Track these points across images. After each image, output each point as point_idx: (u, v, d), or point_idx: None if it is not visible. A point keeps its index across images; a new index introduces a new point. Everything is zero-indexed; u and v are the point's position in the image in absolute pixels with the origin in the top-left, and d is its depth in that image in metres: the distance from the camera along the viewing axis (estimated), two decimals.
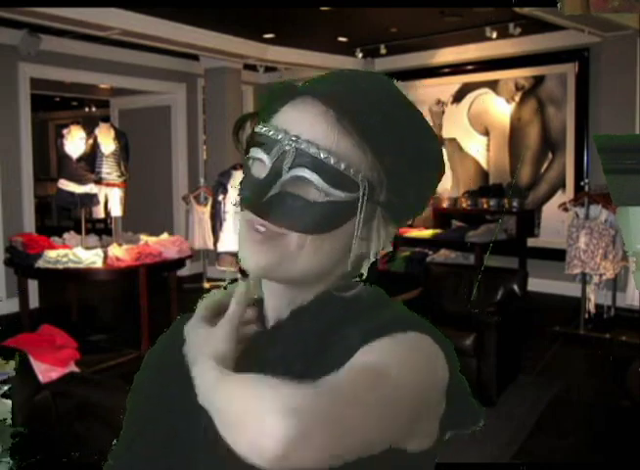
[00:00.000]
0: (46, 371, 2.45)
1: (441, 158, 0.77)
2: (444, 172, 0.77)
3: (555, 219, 6.11)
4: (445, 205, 6.87)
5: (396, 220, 0.76)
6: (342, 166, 0.68)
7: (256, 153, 0.71)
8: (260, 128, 0.72)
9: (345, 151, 0.69)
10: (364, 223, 0.71)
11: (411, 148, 0.72)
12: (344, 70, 0.75)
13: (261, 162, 0.71)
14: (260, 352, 0.74)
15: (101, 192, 5.17)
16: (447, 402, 0.69)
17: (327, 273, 0.75)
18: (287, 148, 0.69)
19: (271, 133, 0.70)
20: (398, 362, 0.65)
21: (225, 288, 0.79)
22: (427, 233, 6.64)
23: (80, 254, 4.55)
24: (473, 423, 0.73)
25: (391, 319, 0.70)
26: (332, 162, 0.68)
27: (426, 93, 7.18)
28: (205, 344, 0.71)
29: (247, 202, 0.71)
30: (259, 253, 0.70)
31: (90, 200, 5.14)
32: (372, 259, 0.77)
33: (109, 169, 5.13)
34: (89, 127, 5.30)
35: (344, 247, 0.73)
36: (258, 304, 0.79)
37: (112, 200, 5.23)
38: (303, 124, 0.69)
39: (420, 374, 0.66)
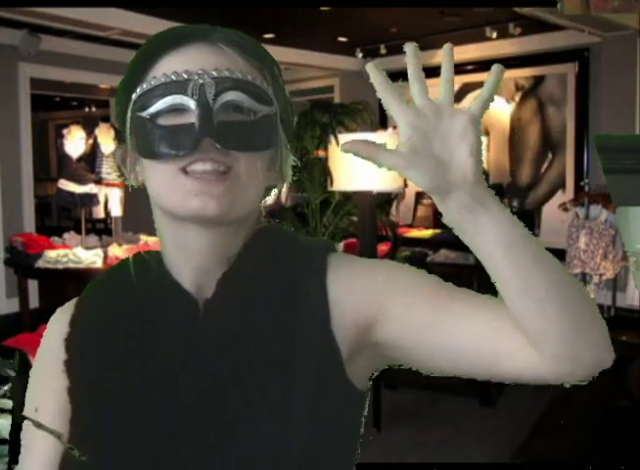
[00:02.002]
0: None
1: None
2: None
3: (555, 219, 6.11)
4: None
5: (287, 141, 0.79)
6: (258, 82, 0.72)
7: (166, 101, 0.70)
8: (155, 79, 0.71)
9: (251, 71, 0.72)
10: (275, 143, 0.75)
11: (280, 74, 0.78)
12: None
13: (176, 109, 0.70)
14: (196, 339, 0.72)
15: (101, 192, 5.18)
16: None
17: (255, 210, 0.78)
18: (201, 81, 0.69)
19: (173, 78, 0.70)
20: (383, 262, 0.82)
21: None
22: (427, 233, 6.64)
23: (80, 254, 4.55)
24: None
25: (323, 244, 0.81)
26: (248, 78, 0.71)
27: None
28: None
29: (188, 145, 0.68)
30: (216, 194, 0.69)
31: (90, 200, 5.15)
32: (282, 188, 0.81)
33: (109, 169, 5.14)
34: (89, 127, 5.31)
35: (266, 175, 0.75)
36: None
37: (112, 200, 5.24)
38: (204, 60, 0.71)
39: None
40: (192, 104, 0.69)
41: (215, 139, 0.68)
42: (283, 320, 0.72)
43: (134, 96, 0.72)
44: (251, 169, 0.71)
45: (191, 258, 0.74)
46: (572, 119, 6.23)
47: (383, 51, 6.85)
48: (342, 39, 6.57)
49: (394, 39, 6.51)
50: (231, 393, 0.69)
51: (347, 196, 4.59)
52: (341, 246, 6.10)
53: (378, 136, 3.71)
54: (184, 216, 0.70)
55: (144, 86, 0.72)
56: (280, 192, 0.81)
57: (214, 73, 0.70)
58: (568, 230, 5.14)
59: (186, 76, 0.69)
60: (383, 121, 6.99)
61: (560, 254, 5.44)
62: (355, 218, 4.60)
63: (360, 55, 7.14)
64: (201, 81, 0.69)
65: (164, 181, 0.71)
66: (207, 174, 0.69)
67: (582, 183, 5.54)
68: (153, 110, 0.70)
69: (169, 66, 0.71)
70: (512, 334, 0.67)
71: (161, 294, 0.75)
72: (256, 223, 0.79)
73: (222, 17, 5.55)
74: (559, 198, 6.21)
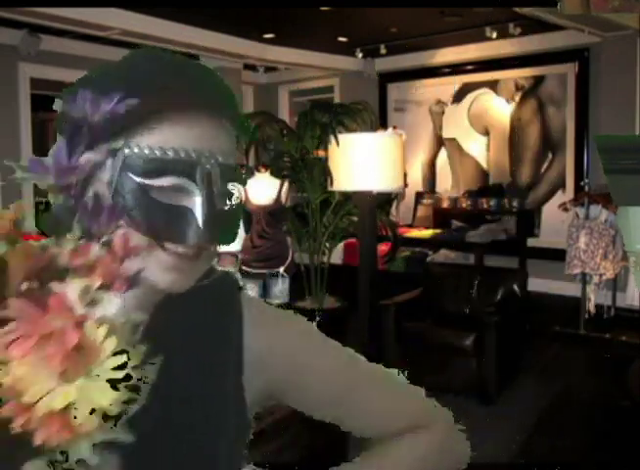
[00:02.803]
0: None
1: None
2: None
3: (555, 219, 6.11)
4: (445, 205, 6.86)
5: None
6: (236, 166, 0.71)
7: (170, 181, 0.66)
8: (160, 149, 0.66)
9: (235, 150, 0.72)
10: None
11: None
12: (180, 63, 0.72)
13: (176, 189, 0.66)
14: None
15: None
16: None
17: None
18: (208, 167, 0.67)
19: (182, 156, 0.66)
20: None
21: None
22: (427, 233, 6.64)
23: None
24: None
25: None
26: (235, 164, 0.71)
27: (426, 93, 7.18)
28: None
29: (187, 236, 0.66)
30: (187, 270, 0.69)
31: None
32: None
33: None
34: None
35: None
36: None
37: None
38: (210, 138, 0.68)
39: None
40: (196, 191, 0.67)
41: (208, 237, 0.68)
42: (203, 367, 0.75)
43: (127, 151, 0.66)
44: (216, 249, 0.73)
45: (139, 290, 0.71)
46: (572, 119, 6.24)
47: (383, 51, 6.85)
48: (342, 39, 6.57)
49: (394, 39, 6.51)
50: (158, 437, 0.71)
51: (347, 196, 4.59)
52: (341, 246, 6.10)
53: (378, 136, 3.71)
54: (150, 285, 0.68)
55: (144, 149, 0.66)
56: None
57: (220, 159, 0.68)
58: (568, 230, 5.13)
59: (194, 157, 0.66)
60: (383, 121, 7.00)
61: (560, 254, 5.44)
62: (355, 218, 4.60)
63: (360, 55, 7.14)
64: (208, 167, 0.67)
65: (138, 244, 0.67)
66: (182, 254, 0.68)
67: (582, 183, 5.54)
68: (152, 182, 0.66)
69: (177, 135, 0.67)
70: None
71: None
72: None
73: (222, 17, 5.57)
74: (559, 198, 6.21)
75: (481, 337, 3.84)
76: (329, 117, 4.60)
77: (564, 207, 5.29)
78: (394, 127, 5.49)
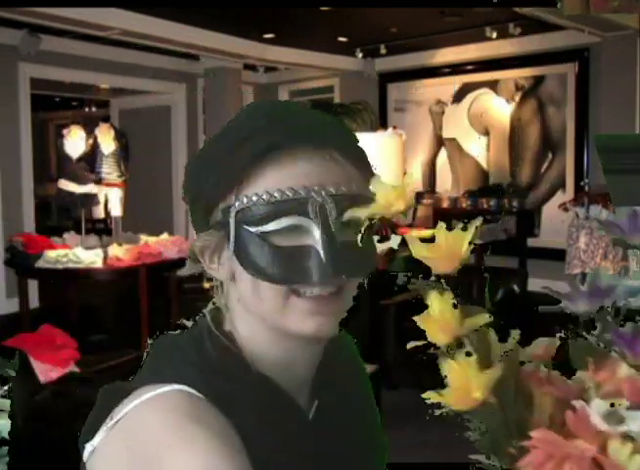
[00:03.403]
0: (46, 371, 2.46)
1: None
2: None
3: (555, 219, 6.11)
4: (445, 205, 6.86)
5: None
6: (370, 195, 0.64)
7: (284, 222, 0.65)
8: (267, 193, 0.65)
9: (363, 181, 0.68)
10: None
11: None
12: (299, 108, 0.74)
13: (293, 229, 0.65)
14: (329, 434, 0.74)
15: (101, 192, 5.18)
16: None
17: None
18: (319, 200, 0.65)
19: (290, 195, 0.64)
20: None
21: None
22: (427, 233, 6.64)
23: (80, 254, 4.55)
24: None
25: None
26: (364, 193, 0.65)
27: (426, 93, 7.18)
28: None
29: (313, 273, 0.64)
30: (330, 314, 0.67)
31: (90, 200, 5.15)
32: None
33: (109, 169, 5.14)
34: (89, 127, 5.32)
35: None
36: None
37: (112, 200, 5.24)
38: (318, 173, 0.66)
39: None
40: (313, 227, 0.64)
41: (341, 270, 0.64)
42: (367, 411, 0.82)
43: (238, 204, 0.65)
44: (356, 284, 0.70)
45: (291, 369, 0.71)
46: (572, 119, 6.23)
47: (383, 51, 6.85)
48: (342, 39, 6.57)
49: (394, 39, 6.51)
50: None
51: None
52: None
53: (378, 136, 3.71)
54: (297, 337, 0.67)
55: (253, 198, 0.65)
56: None
57: (332, 190, 0.65)
58: (568, 230, 5.13)
59: (303, 194, 0.64)
60: (383, 121, 6.99)
61: (560, 254, 5.44)
62: None
63: (360, 55, 7.13)
64: (319, 200, 0.64)
65: (274, 302, 0.66)
66: (322, 297, 0.66)
67: (582, 183, 5.54)
68: (267, 228, 0.65)
69: (281, 176, 0.65)
70: None
71: (273, 401, 0.70)
72: None
73: (222, 17, 5.57)
74: (559, 198, 6.21)
75: None
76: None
77: (564, 207, 5.30)
78: (394, 127, 5.48)
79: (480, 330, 0.59)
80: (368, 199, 0.63)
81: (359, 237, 0.63)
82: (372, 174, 0.69)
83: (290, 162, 0.66)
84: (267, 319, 0.68)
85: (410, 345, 0.63)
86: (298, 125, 0.68)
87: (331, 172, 0.67)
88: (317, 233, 0.64)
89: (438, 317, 0.59)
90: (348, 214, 0.63)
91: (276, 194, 0.64)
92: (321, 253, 0.64)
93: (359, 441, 0.77)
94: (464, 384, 0.56)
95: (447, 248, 0.61)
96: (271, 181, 0.65)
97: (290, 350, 0.70)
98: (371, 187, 0.61)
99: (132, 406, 0.63)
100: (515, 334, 0.59)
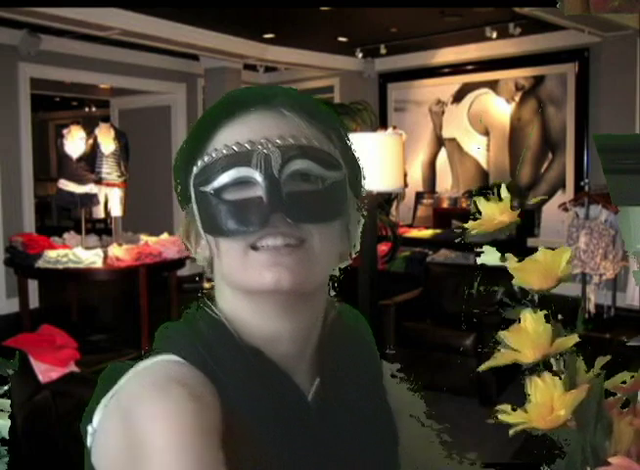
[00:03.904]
0: (46, 371, 2.45)
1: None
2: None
3: (555, 219, 6.11)
4: (445, 205, 6.86)
5: (357, 202, 0.76)
6: (325, 147, 0.69)
7: (230, 175, 0.66)
8: (216, 151, 0.68)
9: (316, 135, 0.69)
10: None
11: (346, 131, 0.75)
12: (255, 86, 0.75)
13: (241, 182, 0.66)
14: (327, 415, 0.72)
15: (101, 192, 5.18)
16: None
17: (327, 280, 0.75)
18: (265, 151, 0.66)
19: (235, 149, 0.66)
20: None
21: None
22: (427, 233, 6.64)
23: (80, 254, 4.55)
24: None
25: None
26: (314, 144, 0.68)
27: (426, 93, 7.18)
28: None
29: (259, 222, 0.65)
30: (290, 266, 0.65)
31: (90, 200, 5.15)
32: (351, 257, 0.78)
33: (109, 169, 5.13)
34: (89, 127, 5.31)
35: (339, 242, 0.73)
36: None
37: (112, 200, 5.24)
38: (267, 128, 0.68)
39: None
40: (258, 176, 0.65)
41: (285, 213, 0.65)
42: (375, 395, 0.80)
43: (195, 169, 0.69)
44: (324, 240, 0.68)
45: (280, 343, 0.70)
46: (572, 119, 6.23)
47: (383, 51, 6.85)
48: (342, 39, 6.57)
49: (394, 39, 6.51)
50: None
51: None
52: None
53: (378, 136, 3.71)
54: (259, 291, 0.67)
55: (205, 159, 0.68)
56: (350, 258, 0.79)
57: (279, 142, 0.66)
58: (568, 230, 5.13)
59: (249, 147, 0.66)
60: (383, 121, 6.99)
61: None
62: None
63: (360, 55, 7.13)
64: (265, 151, 0.66)
65: (235, 258, 0.67)
66: (279, 248, 0.66)
67: (582, 183, 5.54)
68: (217, 184, 0.67)
69: (230, 136, 0.68)
70: None
71: (262, 372, 0.69)
72: (327, 295, 0.77)
73: (222, 17, 5.57)
74: (559, 198, 6.21)
75: (481, 337, 3.84)
76: None
77: (564, 207, 5.29)
78: (394, 127, 5.48)
79: (569, 351, 0.60)
80: (320, 151, 0.67)
81: (312, 186, 0.66)
82: (334, 130, 0.72)
83: (241, 123, 0.69)
84: (234, 281, 0.69)
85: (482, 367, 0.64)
86: (251, 92, 0.71)
87: (279, 127, 0.68)
88: (262, 183, 0.66)
89: (531, 334, 0.59)
90: (296, 165, 0.66)
91: (224, 150, 0.67)
92: (264, 198, 0.65)
93: (367, 427, 0.75)
94: (547, 402, 0.56)
95: (545, 265, 0.61)
96: (222, 140, 0.68)
97: (271, 318, 0.69)
98: (327, 142, 0.67)
99: (125, 379, 0.65)
100: (601, 361, 0.60)
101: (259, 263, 0.66)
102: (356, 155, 0.76)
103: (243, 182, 0.66)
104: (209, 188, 0.67)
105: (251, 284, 0.67)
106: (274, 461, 0.65)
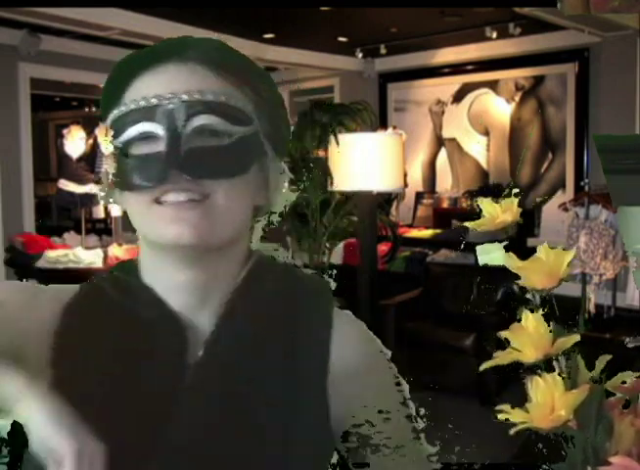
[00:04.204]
0: None
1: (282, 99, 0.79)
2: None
3: (555, 219, 6.11)
4: (445, 205, 6.86)
5: (277, 157, 0.75)
6: (232, 102, 0.68)
7: (136, 129, 0.67)
8: (125, 105, 0.68)
9: (226, 89, 0.69)
10: (259, 161, 0.72)
11: (269, 85, 0.75)
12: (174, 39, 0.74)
13: (148, 137, 0.67)
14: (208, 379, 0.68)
15: None
16: None
17: (244, 234, 0.74)
18: (171, 106, 0.66)
19: (142, 103, 0.66)
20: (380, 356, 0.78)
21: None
22: (427, 233, 6.64)
23: (80, 254, 4.55)
24: None
25: (322, 289, 0.79)
26: (221, 99, 0.67)
27: (426, 93, 7.17)
28: None
29: (159, 177, 0.65)
30: (192, 221, 0.65)
31: (90, 200, 5.16)
32: (273, 207, 0.78)
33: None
34: (89, 127, 5.32)
35: (253, 196, 0.72)
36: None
37: None
38: (175, 82, 0.68)
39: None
40: (160, 131, 0.66)
41: (182, 169, 0.64)
42: (285, 364, 0.70)
43: (108, 122, 0.70)
44: (231, 195, 0.67)
45: (178, 291, 0.71)
46: (572, 119, 6.23)
47: (383, 51, 6.84)
48: (342, 39, 6.57)
49: (394, 39, 6.51)
50: (228, 437, 0.66)
51: (347, 196, 4.59)
52: (341, 246, 6.10)
53: (378, 136, 3.71)
54: (162, 245, 0.68)
55: (115, 112, 0.69)
56: (269, 212, 0.78)
57: (185, 97, 0.66)
58: (568, 230, 5.13)
59: (156, 102, 0.66)
60: (383, 121, 6.99)
61: None
62: (355, 218, 4.60)
63: (360, 55, 7.13)
64: (171, 106, 0.65)
65: (139, 212, 0.69)
66: (182, 203, 0.66)
67: (582, 183, 5.54)
68: (124, 138, 0.67)
69: (141, 89, 0.68)
70: None
71: (152, 324, 0.70)
72: (247, 249, 0.76)
73: (222, 17, 5.56)
74: (559, 198, 6.21)
75: (481, 337, 3.84)
76: (329, 117, 4.60)
77: (564, 207, 5.29)
78: (394, 127, 5.49)
79: (570, 351, 0.60)
80: (227, 106, 0.67)
81: (217, 142, 0.66)
82: (248, 83, 0.71)
83: (152, 76, 0.69)
84: (141, 234, 0.71)
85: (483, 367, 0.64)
86: (166, 44, 0.71)
87: (187, 81, 0.68)
88: (164, 138, 0.66)
89: (532, 333, 0.60)
90: (200, 120, 0.66)
91: (132, 105, 0.67)
92: (163, 153, 0.65)
93: (256, 403, 0.68)
94: (548, 401, 0.57)
95: (548, 265, 0.61)
96: (133, 93, 0.69)
97: (175, 270, 0.70)
98: (239, 95, 0.68)
99: None
100: (602, 360, 0.60)
101: (162, 218, 0.66)
102: (279, 106, 0.75)
103: (148, 137, 0.67)
104: (117, 142, 0.68)
105: (154, 238, 0.68)
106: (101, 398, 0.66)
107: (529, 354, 0.58)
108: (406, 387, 0.78)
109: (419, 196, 7.24)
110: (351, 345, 0.74)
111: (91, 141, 5.10)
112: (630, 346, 4.68)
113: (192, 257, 0.69)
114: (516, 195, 0.69)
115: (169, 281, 0.71)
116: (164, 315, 0.70)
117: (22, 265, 4.64)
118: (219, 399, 0.67)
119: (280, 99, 0.77)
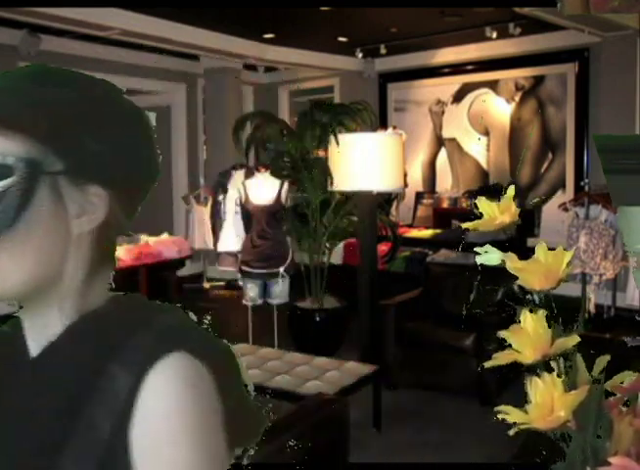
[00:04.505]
0: None
1: (108, 96, 0.74)
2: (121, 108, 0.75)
3: (555, 219, 6.11)
4: (445, 205, 6.86)
5: (100, 177, 0.70)
6: None
7: None
8: None
9: None
10: (50, 202, 0.66)
11: (64, 103, 0.68)
12: None
13: None
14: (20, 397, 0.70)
15: None
16: (229, 428, 0.65)
17: (52, 280, 0.71)
18: None
19: None
20: (183, 411, 0.62)
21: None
22: (427, 233, 6.64)
23: None
24: (256, 435, 0.72)
25: (154, 341, 0.67)
26: None
27: (426, 93, 7.18)
28: None
29: None
30: None
31: None
32: (112, 240, 0.76)
33: None
34: None
35: (56, 242, 0.69)
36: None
37: None
38: None
39: (202, 415, 0.63)
40: None
41: None
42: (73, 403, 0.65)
43: None
44: (6, 253, 0.67)
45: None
46: (572, 119, 6.24)
47: (383, 51, 6.85)
48: (342, 39, 6.57)
49: (394, 39, 6.51)
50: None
51: (347, 196, 4.59)
52: (341, 246, 6.10)
53: (378, 136, 3.72)
54: None
55: None
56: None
57: None
58: (568, 230, 5.13)
59: None
60: (383, 121, 7.00)
61: None
62: (355, 218, 4.60)
63: (360, 55, 7.14)
64: None
65: None
66: None
67: (582, 183, 5.54)
68: None
69: None
70: None
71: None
72: (73, 293, 0.73)
73: (222, 17, 5.56)
74: (559, 198, 6.21)
75: (481, 337, 3.84)
76: (329, 117, 4.60)
77: (564, 207, 5.29)
78: (394, 127, 5.49)
79: (569, 352, 0.60)
80: None
81: None
82: (8, 123, 0.64)
83: None
84: None
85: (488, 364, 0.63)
86: None
87: None
88: None
89: (531, 334, 0.60)
90: None
91: None
92: None
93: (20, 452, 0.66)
94: (547, 402, 0.56)
95: (546, 265, 0.61)
96: None
97: None
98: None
99: None
100: (602, 360, 0.60)
101: None
102: (77, 124, 0.68)
103: None
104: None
105: None
106: None
107: (528, 355, 0.58)
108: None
109: (419, 196, 7.25)
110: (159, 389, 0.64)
111: None
112: (631, 344, 4.69)
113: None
114: (514, 196, 0.69)
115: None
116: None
117: None
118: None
119: (85, 107, 0.70)
